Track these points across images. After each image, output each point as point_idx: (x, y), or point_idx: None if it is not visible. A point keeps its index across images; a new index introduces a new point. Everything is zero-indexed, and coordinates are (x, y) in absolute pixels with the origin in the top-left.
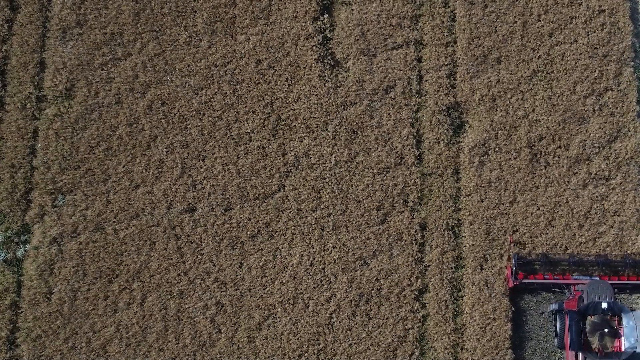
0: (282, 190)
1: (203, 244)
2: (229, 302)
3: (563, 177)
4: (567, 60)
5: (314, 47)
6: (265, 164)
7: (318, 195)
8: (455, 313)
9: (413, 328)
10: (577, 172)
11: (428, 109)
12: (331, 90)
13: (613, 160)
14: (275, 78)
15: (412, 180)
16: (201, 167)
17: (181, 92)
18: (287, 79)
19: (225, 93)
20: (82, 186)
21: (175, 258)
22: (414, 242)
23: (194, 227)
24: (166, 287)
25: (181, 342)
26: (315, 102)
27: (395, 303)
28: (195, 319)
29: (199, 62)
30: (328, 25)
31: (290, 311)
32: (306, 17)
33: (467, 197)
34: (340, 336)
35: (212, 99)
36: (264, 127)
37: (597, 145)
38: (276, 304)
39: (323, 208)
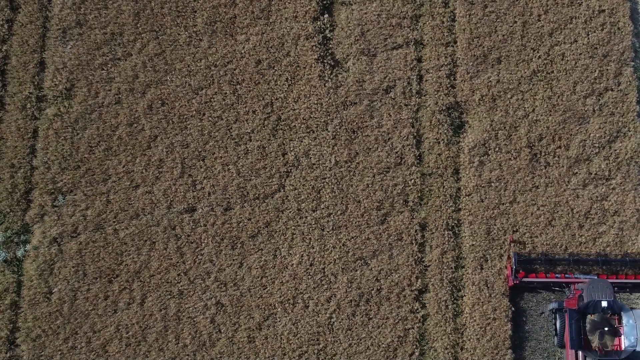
0: (282, 190)
1: (203, 244)
2: (229, 302)
3: (563, 177)
4: (567, 60)
5: (314, 47)
6: (265, 164)
7: (318, 195)
8: (455, 313)
9: (413, 328)
10: (577, 172)
11: (428, 109)
12: (331, 90)
13: (613, 160)
14: (275, 78)
15: (412, 180)
16: (201, 167)
17: (181, 92)
18: (287, 79)
19: (225, 93)
20: (82, 186)
21: (175, 258)
22: (414, 242)
23: (194, 227)
24: (166, 287)
25: (181, 342)
26: (315, 102)
27: (395, 303)
28: (195, 319)
29: (199, 62)
30: (328, 25)
31: (290, 311)
32: (306, 17)
33: (467, 197)
34: (340, 336)
35: (212, 99)
36: (264, 127)
37: (597, 145)
38: (276, 304)
39: (323, 208)
